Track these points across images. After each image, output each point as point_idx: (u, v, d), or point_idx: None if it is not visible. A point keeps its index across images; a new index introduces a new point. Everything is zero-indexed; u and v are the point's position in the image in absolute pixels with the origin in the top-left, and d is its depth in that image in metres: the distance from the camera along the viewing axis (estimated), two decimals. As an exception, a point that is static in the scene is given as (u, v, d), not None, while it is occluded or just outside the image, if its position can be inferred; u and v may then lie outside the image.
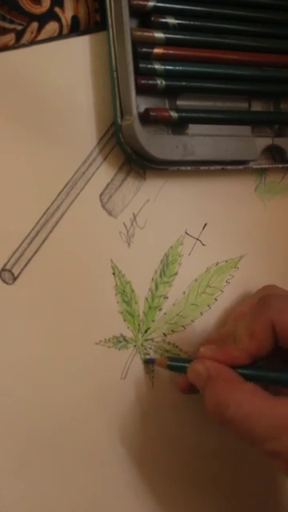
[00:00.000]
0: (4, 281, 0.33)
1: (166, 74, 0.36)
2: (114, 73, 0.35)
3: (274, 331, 0.33)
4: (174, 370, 0.37)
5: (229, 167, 0.38)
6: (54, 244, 0.35)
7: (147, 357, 0.37)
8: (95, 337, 0.36)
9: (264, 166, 0.40)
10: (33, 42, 0.34)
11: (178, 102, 0.38)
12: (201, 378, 0.33)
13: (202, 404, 0.39)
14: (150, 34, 0.35)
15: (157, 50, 0.36)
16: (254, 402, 0.30)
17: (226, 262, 0.41)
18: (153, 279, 0.38)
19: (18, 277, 0.34)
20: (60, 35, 0.35)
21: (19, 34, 0.34)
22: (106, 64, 0.36)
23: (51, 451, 0.34)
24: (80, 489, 0.35)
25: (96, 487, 0.36)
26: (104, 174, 0.36)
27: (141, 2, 0.35)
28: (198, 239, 0.40)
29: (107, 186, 0.36)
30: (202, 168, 0.37)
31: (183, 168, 0.37)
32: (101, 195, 0.36)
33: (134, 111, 0.34)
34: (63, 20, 0.35)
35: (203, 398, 0.33)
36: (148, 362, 0.37)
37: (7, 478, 0.33)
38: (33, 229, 0.34)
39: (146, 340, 0.38)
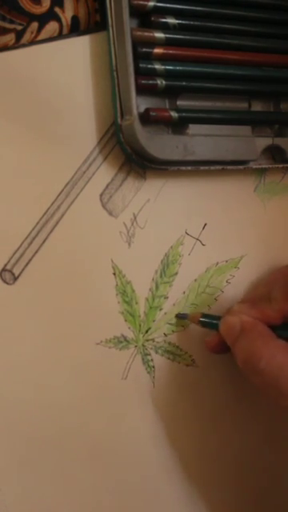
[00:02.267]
0: (4, 281, 0.33)
1: (166, 74, 0.36)
2: (114, 73, 0.35)
3: None
4: (206, 326, 0.37)
5: (229, 167, 0.38)
6: (54, 244, 0.35)
7: (180, 312, 0.38)
8: (96, 337, 0.36)
9: (264, 166, 0.40)
10: (33, 42, 0.34)
11: (178, 102, 0.38)
12: (234, 330, 0.34)
13: (204, 405, 0.39)
14: (150, 34, 0.35)
15: (157, 50, 0.36)
16: (286, 357, 0.32)
17: (226, 262, 0.41)
18: (153, 279, 0.38)
19: (18, 277, 0.33)
20: (60, 35, 0.35)
21: (19, 34, 0.34)
22: (106, 64, 0.36)
23: (52, 451, 0.34)
24: (80, 489, 0.35)
25: (96, 487, 0.36)
26: (104, 173, 0.36)
27: (141, 2, 0.35)
28: (197, 239, 0.40)
29: (107, 185, 0.36)
30: (202, 168, 0.37)
31: (183, 168, 0.37)
32: (101, 195, 0.36)
33: (134, 111, 0.34)
34: (63, 20, 0.35)
35: (233, 353, 0.34)
36: (180, 317, 0.38)
37: (7, 478, 0.33)
38: (33, 229, 0.34)
39: (147, 340, 0.38)
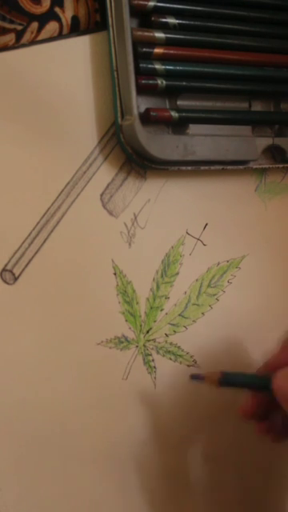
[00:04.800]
0: (5, 281, 0.33)
1: (167, 74, 0.36)
2: (115, 73, 0.35)
3: None
4: (230, 386, 0.34)
5: (229, 167, 0.38)
6: (54, 244, 0.34)
7: (193, 373, 0.34)
8: (97, 337, 0.36)
9: (264, 166, 0.40)
10: (33, 42, 0.34)
11: (179, 102, 0.38)
12: None
13: (204, 406, 0.39)
14: (151, 34, 0.35)
15: (157, 50, 0.36)
16: None
17: (227, 261, 0.41)
18: (154, 279, 0.38)
19: (18, 277, 0.33)
20: (60, 35, 0.35)
21: (19, 34, 0.34)
22: (107, 64, 0.36)
23: (52, 451, 0.34)
24: (80, 489, 0.35)
25: (96, 487, 0.36)
26: (105, 173, 0.36)
27: (141, 2, 0.35)
28: (199, 239, 0.39)
29: (108, 185, 0.36)
30: (202, 168, 0.37)
31: (184, 168, 0.37)
32: (101, 195, 0.36)
33: (135, 111, 0.34)
34: (63, 20, 0.35)
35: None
36: (194, 379, 0.34)
37: (7, 478, 0.33)
38: (33, 229, 0.34)
39: (148, 340, 0.37)
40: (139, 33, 0.35)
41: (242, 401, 0.33)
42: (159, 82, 0.36)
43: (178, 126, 0.37)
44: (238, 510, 0.41)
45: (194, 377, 0.34)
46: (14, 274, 0.33)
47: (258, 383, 0.33)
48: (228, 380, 0.33)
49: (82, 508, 0.35)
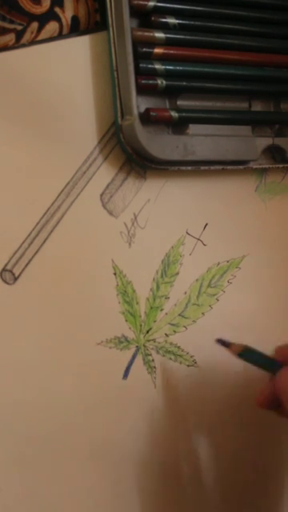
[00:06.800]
0: (5, 281, 0.33)
1: (167, 74, 0.36)
2: (115, 73, 0.35)
3: None
4: (247, 361, 0.35)
5: (229, 167, 0.38)
6: (54, 244, 0.34)
7: (220, 338, 0.35)
8: (97, 337, 0.36)
9: (264, 166, 0.40)
10: (33, 42, 0.34)
11: (179, 102, 0.38)
12: None
13: (205, 405, 0.39)
14: (151, 34, 0.35)
15: (157, 50, 0.36)
16: None
17: (228, 261, 0.41)
18: (154, 279, 0.38)
19: (18, 277, 0.33)
20: (60, 35, 0.35)
21: (19, 34, 0.34)
22: (107, 64, 0.36)
23: (52, 451, 0.34)
24: (80, 488, 0.35)
25: (96, 487, 0.36)
26: (105, 173, 0.36)
27: (141, 2, 0.35)
28: (199, 239, 0.39)
29: (108, 185, 0.36)
30: (202, 168, 0.37)
31: (184, 168, 0.37)
32: (101, 195, 0.36)
33: (135, 111, 0.34)
34: (63, 20, 0.35)
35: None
36: (220, 343, 0.35)
37: (8, 478, 0.33)
38: (33, 229, 0.34)
39: (148, 340, 0.37)
40: (139, 33, 0.35)
41: (257, 392, 0.34)
42: (159, 81, 0.36)
43: (178, 126, 0.37)
44: (238, 510, 0.41)
45: (221, 341, 0.35)
46: (13, 274, 0.33)
47: (269, 368, 0.34)
48: (246, 355, 0.35)
49: (82, 508, 0.35)
